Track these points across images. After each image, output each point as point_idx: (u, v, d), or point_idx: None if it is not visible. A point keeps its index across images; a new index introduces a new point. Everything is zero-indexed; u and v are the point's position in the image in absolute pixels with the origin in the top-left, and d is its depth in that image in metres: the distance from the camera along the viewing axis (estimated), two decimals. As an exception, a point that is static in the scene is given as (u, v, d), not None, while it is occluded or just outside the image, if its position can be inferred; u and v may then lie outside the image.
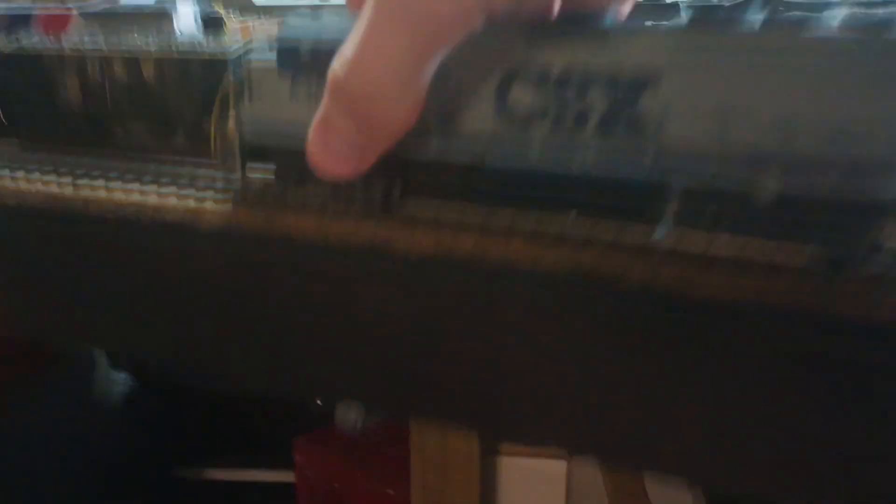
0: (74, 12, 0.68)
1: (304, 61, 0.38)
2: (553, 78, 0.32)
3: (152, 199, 0.42)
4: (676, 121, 0.30)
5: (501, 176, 0.35)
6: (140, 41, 0.52)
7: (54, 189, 0.44)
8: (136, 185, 0.43)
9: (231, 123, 0.39)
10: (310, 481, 2.25)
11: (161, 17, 0.65)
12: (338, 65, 0.34)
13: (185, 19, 0.69)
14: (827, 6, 0.29)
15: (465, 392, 0.36)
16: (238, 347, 0.40)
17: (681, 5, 0.37)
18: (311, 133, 0.37)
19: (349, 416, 0.48)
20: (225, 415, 2.46)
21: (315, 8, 0.71)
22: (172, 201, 0.42)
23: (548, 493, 1.58)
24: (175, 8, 0.67)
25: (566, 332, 0.33)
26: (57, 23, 0.67)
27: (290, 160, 0.40)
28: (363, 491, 2.10)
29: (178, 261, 0.41)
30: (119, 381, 2.50)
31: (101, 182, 0.44)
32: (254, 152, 0.40)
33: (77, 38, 0.55)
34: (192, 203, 0.41)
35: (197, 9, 0.72)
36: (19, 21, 0.69)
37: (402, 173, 0.36)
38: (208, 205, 0.41)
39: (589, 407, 0.33)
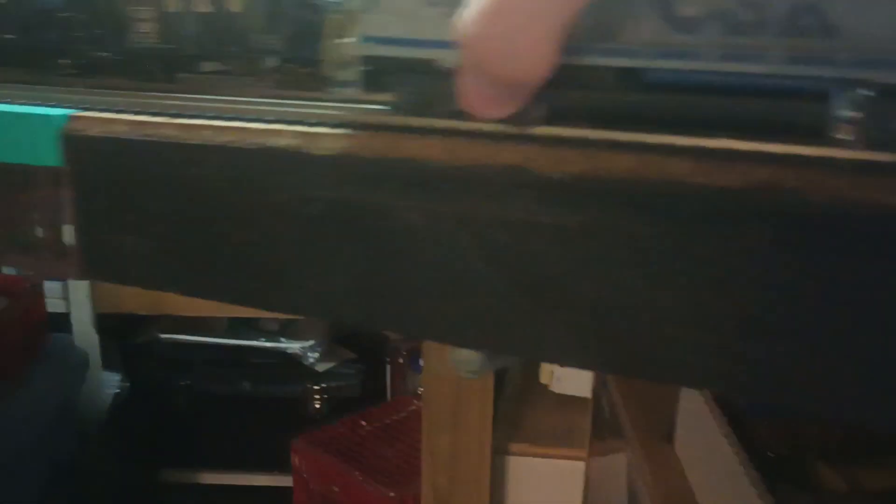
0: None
1: None
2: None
3: (259, 129, 0.39)
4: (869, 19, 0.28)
5: (664, 90, 0.33)
6: None
7: (164, 129, 0.41)
8: (237, 122, 0.40)
9: (349, 43, 0.37)
10: (307, 484, 2.22)
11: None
12: (468, 20, 0.32)
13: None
14: None
15: (614, 329, 0.33)
16: (354, 285, 0.37)
17: None
18: (458, 77, 0.35)
19: (471, 360, 0.45)
20: (219, 416, 2.42)
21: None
22: (280, 129, 0.39)
23: (563, 494, 1.55)
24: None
25: (732, 252, 0.31)
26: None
27: (417, 79, 0.37)
28: (363, 493, 2.07)
29: (289, 193, 0.38)
30: (111, 381, 2.46)
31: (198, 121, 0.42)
32: (379, 70, 0.38)
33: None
34: (302, 130, 0.39)
35: None
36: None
37: (547, 91, 0.34)
38: (321, 130, 0.38)
39: (767, 331, 0.31)
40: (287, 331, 2.53)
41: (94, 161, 0.43)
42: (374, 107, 0.41)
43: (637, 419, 1.05)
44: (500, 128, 0.36)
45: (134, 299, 2.33)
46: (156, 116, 0.43)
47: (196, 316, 2.39)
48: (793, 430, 0.86)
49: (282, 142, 0.39)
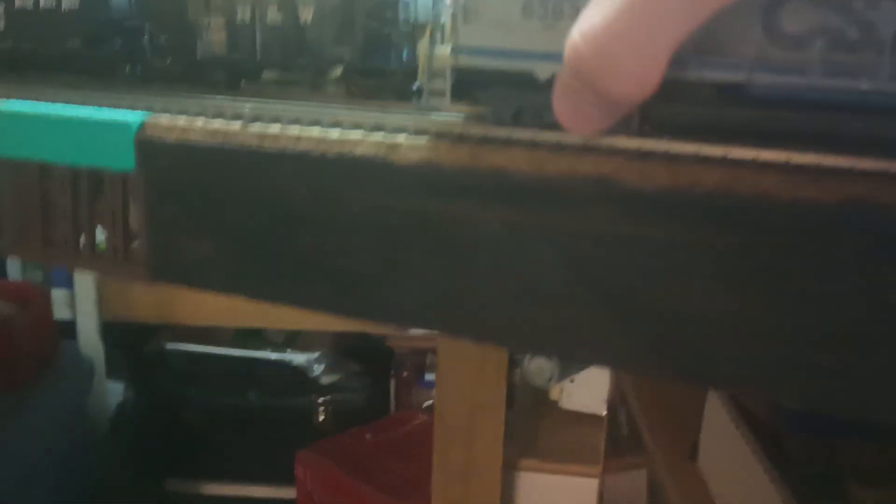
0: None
1: None
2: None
3: (339, 138, 0.40)
4: None
5: (765, 104, 0.34)
6: None
7: (231, 130, 0.41)
8: (316, 129, 0.41)
9: (443, 52, 0.37)
10: (311, 495, 2.21)
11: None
12: (579, 35, 0.33)
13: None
14: None
15: (694, 340, 0.34)
16: (431, 294, 0.38)
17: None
18: (555, 90, 0.35)
19: (543, 370, 0.45)
20: (224, 427, 2.41)
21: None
22: (360, 138, 0.40)
23: (575, 509, 1.55)
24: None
25: (822, 266, 0.31)
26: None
27: (508, 91, 0.38)
28: (370, 506, 2.06)
29: (367, 202, 0.38)
30: (116, 390, 2.45)
31: (276, 126, 0.42)
32: (468, 81, 0.39)
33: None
34: (383, 139, 0.39)
35: None
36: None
37: (646, 104, 0.34)
38: (402, 140, 0.39)
39: (853, 345, 0.31)
40: (293, 342, 2.52)
41: (168, 166, 0.44)
42: (456, 115, 0.41)
43: (659, 435, 1.05)
44: (587, 140, 0.37)
45: (141, 308, 2.32)
46: (232, 124, 0.43)
47: (203, 326, 2.38)
48: (827, 448, 0.86)
49: (362, 151, 0.39)
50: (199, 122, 0.43)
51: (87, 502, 2.21)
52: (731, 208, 0.33)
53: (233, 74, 0.54)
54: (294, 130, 0.41)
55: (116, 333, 2.42)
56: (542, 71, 0.37)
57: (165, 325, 2.43)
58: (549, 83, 0.36)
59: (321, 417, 2.49)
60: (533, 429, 1.81)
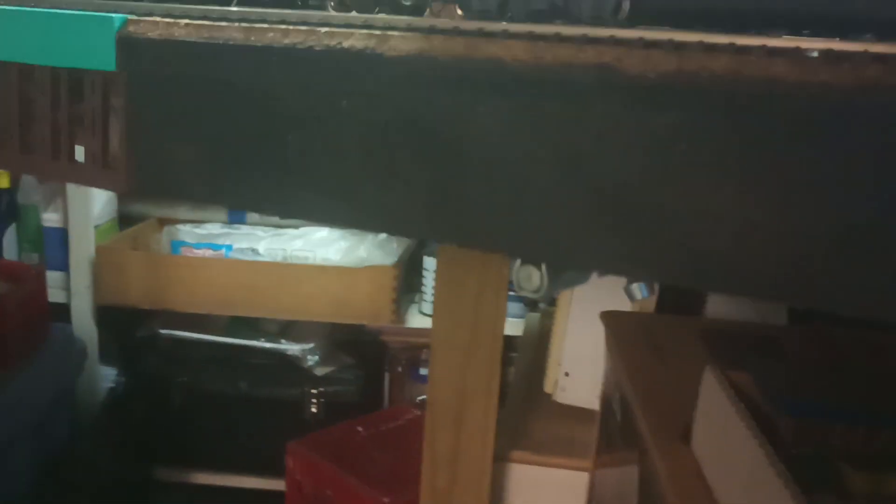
0: None
1: None
2: None
3: (328, 31, 0.38)
4: None
5: None
6: None
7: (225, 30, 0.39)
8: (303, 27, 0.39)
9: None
10: (301, 487, 2.18)
11: None
12: None
13: None
14: None
15: (695, 240, 0.32)
16: (420, 196, 0.36)
17: None
18: None
19: (531, 277, 0.43)
20: (214, 415, 2.39)
21: None
22: (349, 31, 0.38)
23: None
24: None
25: (838, 155, 0.29)
26: None
27: None
28: (357, 498, 2.04)
29: (356, 97, 0.36)
30: (108, 374, 2.43)
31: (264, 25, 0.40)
32: None
33: None
34: (373, 32, 0.37)
35: None
36: None
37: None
38: (394, 33, 0.37)
39: (869, 244, 0.29)
40: (287, 333, 2.51)
41: (150, 64, 0.42)
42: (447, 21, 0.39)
43: (652, 417, 1.03)
44: (586, 31, 0.35)
45: (135, 293, 2.31)
46: (218, 21, 0.41)
47: (197, 313, 2.36)
48: (819, 432, 0.84)
49: (351, 43, 0.37)
50: (186, 19, 0.41)
51: (73, 484, 2.19)
52: (737, 94, 0.31)
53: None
54: (282, 25, 0.39)
55: (110, 317, 2.40)
56: None
57: (159, 310, 2.41)
58: None
59: (313, 409, 2.47)
60: (525, 422, 1.79)
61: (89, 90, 0.43)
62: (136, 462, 2.38)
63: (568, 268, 0.36)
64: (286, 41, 0.38)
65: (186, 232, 2.42)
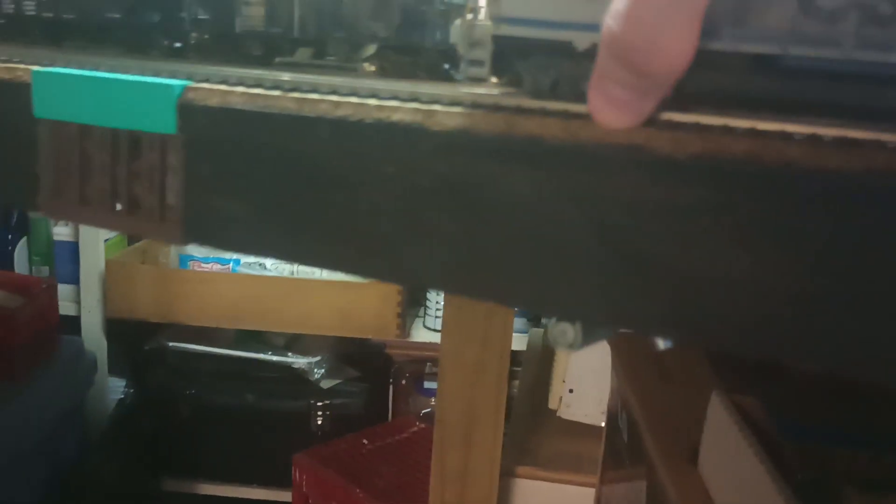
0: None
1: None
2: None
3: (377, 104, 0.41)
4: None
5: (798, 75, 0.35)
6: None
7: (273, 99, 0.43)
8: (353, 98, 0.42)
9: (484, 21, 0.39)
10: (307, 499, 2.21)
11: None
12: (612, 19, 0.34)
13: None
14: None
15: (717, 304, 0.35)
16: (459, 255, 0.39)
17: None
18: (590, 86, 0.37)
19: (566, 333, 0.47)
20: (222, 427, 2.41)
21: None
22: (398, 105, 0.41)
23: (571, 518, 1.56)
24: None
25: (846, 233, 0.33)
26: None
27: (547, 61, 0.39)
28: (364, 510, 2.06)
29: (401, 165, 0.40)
30: (116, 386, 2.46)
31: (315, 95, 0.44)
32: (508, 50, 0.40)
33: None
34: (420, 107, 0.41)
35: None
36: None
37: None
38: (438, 108, 0.40)
39: (877, 311, 0.32)
40: (294, 346, 2.53)
41: (207, 129, 0.45)
42: (490, 90, 0.43)
43: (660, 437, 1.06)
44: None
45: (144, 306, 2.33)
46: (272, 90, 0.45)
47: (205, 326, 2.39)
48: (823, 456, 0.87)
49: (399, 117, 0.41)
50: (240, 88, 0.44)
51: (81, 497, 2.21)
52: (757, 175, 0.34)
53: (269, 49, 0.56)
54: (332, 97, 0.42)
55: (119, 330, 2.43)
56: (580, 41, 0.38)
57: (167, 324, 2.44)
58: (588, 53, 0.37)
59: (319, 421, 2.49)
60: (531, 438, 1.82)
61: (147, 148, 0.46)
62: (145, 473, 2.40)
63: (599, 325, 0.40)
64: (338, 113, 0.41)
65: (195, 246, 2.45)
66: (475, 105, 0.41)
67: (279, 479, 2.31)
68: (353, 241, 0.43)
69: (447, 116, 0.40)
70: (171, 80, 0.46)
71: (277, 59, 0.56)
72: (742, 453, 0.89)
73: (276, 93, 0.44)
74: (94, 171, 0.48)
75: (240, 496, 2.44)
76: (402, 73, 0.51)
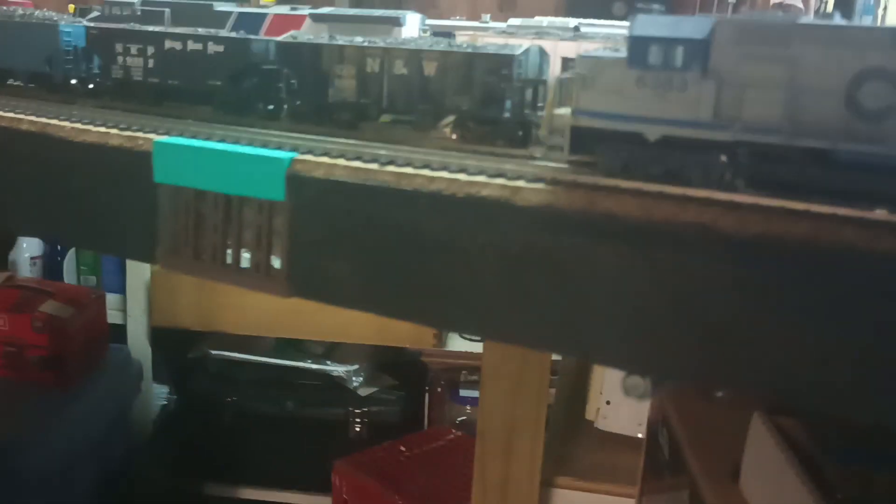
0: (307, 14, 0.73)
1: (655, 59, 0.43)
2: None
3: (467, 179, 0.47)
4: None
5: (846, 168, 0.40)
6: (416, 41, 0.58)
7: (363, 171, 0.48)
8: (444, 172, 0.48)
9: (562, 111, 0.44)
10: (347, 505, 2.26)
11: (389, 23, 0.71)
12: None
13: (412, 28, 0.75)
14: None
15: (778, 365, 0.40)
16: (545, 317, 0.44)
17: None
18: None
19: (638, 385, 0.52)
20: (262, 433, 2.47)
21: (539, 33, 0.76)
22: (486, 181, 0.46)
23: (610, 527, 1.60)
24: (405, 18, 0.73)
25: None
26: (289, 24, 0.73)
27: (621, 148, 0.45)
28: (404, 517, 2.11)
29: (491, 236, 0.45)
30: (160, 393, 2.52)
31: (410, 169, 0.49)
32: (584, 138, 0.45)
33: (349, 36, 0.61)
34: (506, 183, 0.46)
35: (423, 19, 0.78)
36: (250, 20, 0.75)
37: (735, 159, 0.41)
38: (522, 184, 0.46)
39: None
40: (332, 354, 2.59)
41: (313, 197, 0.51)
42: (563, 165, 0.48)
43: (701, 455, 1.10)
44: (689, 191, 0.43)
45: (187, 315, 2.40)
46: (370, 163, 0.50)
47: (245, 335, 2.45)
48: (863, 476, 0.91)
49: (488, 192, 0.46)
50: (342, 160, 0.50)
51: (128, 501, 2.28)
52: (815, 255, 0.39)
53: (357, 116, 0.61)
54: (426, 172, 0.48)
55: (163, 338, 2.49)
56: (651, 132, 0.44)
57: (210, 332, 2.50)
58: (658, 143, 0.43)
59: (357, 428, 2.54)
60: (569, 448, 1.86)
61: (256, 211, 0.52)
62: (188, 478, 2.47)
63: (670, 381, 0.45)
64: (432, 187, 0.47)
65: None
66: (556, 182, 0.46)
67: (318, 484, 2.36)
68: (450, 301, 0.48)
69: (532, 193, 0.46)
70: (280, 153, 0.52)
71: (364, 124, 0.62)
72: (783, 472, 0.93)
73: (375, 166, 0.49)
74: (207, 230, 0.53)
75: (280, 500, 2.49)
76: (481, 139, 0.57)
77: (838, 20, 0.42)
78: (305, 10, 0.74)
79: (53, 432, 2.01)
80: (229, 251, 0.52)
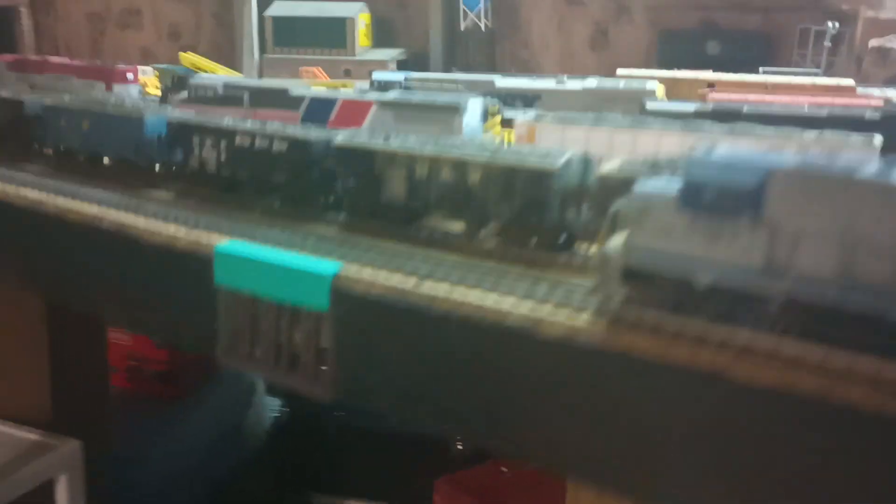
0: (373, 101, 0.77)
1: (707, 204, 0.44)
2: None
3: (493, 307, 0.48)
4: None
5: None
6: (467, 147, 0.60)
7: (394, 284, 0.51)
8: (477, 290, 0.50)
9: (615, 245, 0.46)
10: (447, 523, 2.28)
11: (451, 111, 0.74)
12: None
13: (474, 114, 0.77)
14: None
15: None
16: (567, 437, 0.46)
17: None
18: None
19: None
20: (366, 448, 2.53)
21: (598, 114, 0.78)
22: (510, 310, 0.48)
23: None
24: (466, 104, 0.75)
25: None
26: (358, 110, 0.77)
27: (670, 288, 0.46)
28: (501, 538, 2.12)
29: (514, 359, 0.47)
30: (273, 405, 2.62)
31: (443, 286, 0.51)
32: (635, 275, 0.47)
33: (401, 139, 0.64)
34: (530, 313, 0.48)
35: (484, 104, 0.81)
36: (322, 106, 0.79)
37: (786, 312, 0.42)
38: (545, 315, 0.47)
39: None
40: (436, 372, 2.61)
41: (355, 311, 0.54)
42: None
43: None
44: (704, 332, 0.44)
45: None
46: (407, 282, 0.53)
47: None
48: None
49: (512, 321, 0.48)
50: (382, 277, 0.53)
51: (238, 509, 2.36)
52: (823, 413, 0.39)
53: (407, 216, 0.64)
54: (458, 295, 0.50)
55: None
56: (701, 277, 0.45)
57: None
58: (709, 287, 0.43)
59: (458, 447, 2.57)
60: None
61: (305, 318, 0.55)
62: (296, 488, 2.55)
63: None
64: (461, 312, 0.49)
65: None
66: (579, 310, 0.47)
67: (419, 500, 2.40)
68: (476, 414, 0.51)
69: (552, 326, 0.47)
70: (325, 266, 0.55)
71: (414, 225, 0.64)
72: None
73: (412, 284, 0.52)
74: (262, 332, 0.57)
75: (383, 515, 2.54)
76: (522, 243, 0.58)
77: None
78: (373, 96, 0.78)
79: (169, 443, 2.11)
80: (281, 352, 0.56)
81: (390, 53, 4.38)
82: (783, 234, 0.43)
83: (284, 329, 0.57)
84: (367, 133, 0.68)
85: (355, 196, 0.66)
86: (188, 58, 4.16)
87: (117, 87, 1.66)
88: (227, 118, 0.76)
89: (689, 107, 1.17)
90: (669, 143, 0.69)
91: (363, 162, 0.65)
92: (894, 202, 0.40)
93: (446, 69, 4.15)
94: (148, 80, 3.47)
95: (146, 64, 3.81)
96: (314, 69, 3.58)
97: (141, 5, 5.20)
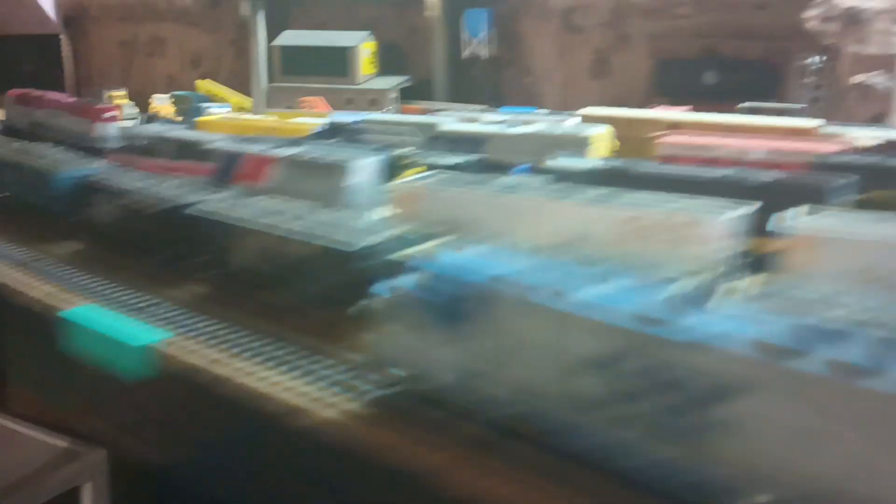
0: (273, 158, 0.78)
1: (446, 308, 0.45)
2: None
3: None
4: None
5: None
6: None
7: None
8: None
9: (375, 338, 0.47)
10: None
11: (338, 170, 0.74)
12: None
13: (364, 173, 0.78)
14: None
15: None
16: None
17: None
18: None
19: None
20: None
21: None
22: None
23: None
24: (353, 164, 0.75)
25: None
26: (260, 164, 0.78)
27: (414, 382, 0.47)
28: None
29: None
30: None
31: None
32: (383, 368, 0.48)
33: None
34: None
35: (390, 160, 0.82)
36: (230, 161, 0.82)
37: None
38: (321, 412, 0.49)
39: None
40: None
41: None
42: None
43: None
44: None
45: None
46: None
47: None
48: None
49: (280, 406, 0.50)
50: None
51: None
52: None
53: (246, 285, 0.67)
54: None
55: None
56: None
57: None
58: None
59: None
60: None
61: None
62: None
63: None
64: (253, 392, 0.51)
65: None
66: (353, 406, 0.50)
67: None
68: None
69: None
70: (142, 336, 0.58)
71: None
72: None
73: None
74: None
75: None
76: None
77: None
78: (276, 151, 0.80)
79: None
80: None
81: (392, 82, 4.43)
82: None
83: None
84: (218, 201, 0.71)
85: (208, 264, 0.69)
86: (204, 85, 4.25)
87: (98, 125, 1.75)
88: (125, 177, 0.78)
89: (587, 164, 1.35)
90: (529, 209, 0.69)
91: (209, 232, 0.66)
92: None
93: (451, 96, 4.17)
94: (162, 107, 3.57)
95: (170, 90, 3.91)
96: (313, 99, 3.62)
97: (166, 34, 5.36)
